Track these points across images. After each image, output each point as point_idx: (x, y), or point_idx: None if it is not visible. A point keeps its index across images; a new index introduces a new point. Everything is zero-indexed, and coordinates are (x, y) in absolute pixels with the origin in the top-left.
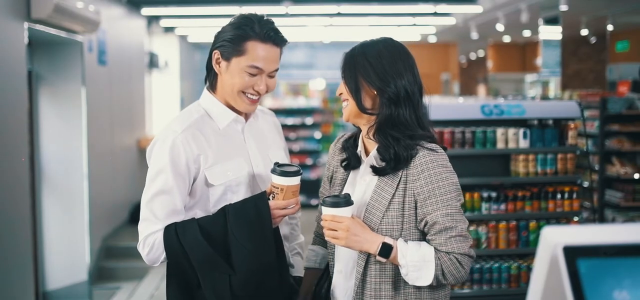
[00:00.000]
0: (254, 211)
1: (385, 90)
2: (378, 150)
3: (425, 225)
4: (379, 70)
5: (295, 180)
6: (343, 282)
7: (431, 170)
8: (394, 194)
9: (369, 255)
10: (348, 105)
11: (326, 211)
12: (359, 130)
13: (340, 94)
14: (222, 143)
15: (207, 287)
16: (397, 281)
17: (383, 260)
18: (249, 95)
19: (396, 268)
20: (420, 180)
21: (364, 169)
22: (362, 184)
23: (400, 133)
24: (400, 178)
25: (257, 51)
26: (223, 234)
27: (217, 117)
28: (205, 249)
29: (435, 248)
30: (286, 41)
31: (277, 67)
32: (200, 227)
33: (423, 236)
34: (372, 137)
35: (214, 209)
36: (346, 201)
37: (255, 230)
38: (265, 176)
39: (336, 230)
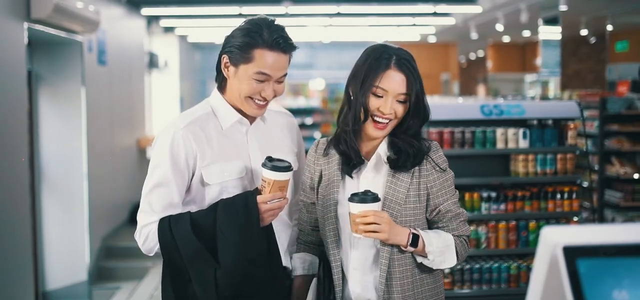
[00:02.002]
0: (242, 206)
1: (427, 116)
2: (396, 148)
3: (437, 213)
4: (427, 102)
5: (282, 176)
6: (361, 277)
7: (441, 165)
8: (409, 188)
9: (392, 246)
10: (390, 124)
11: (364, 207)
12: (344, 133)
13: (391, 113)
14: (224, 143)
15: (194, 280)
16: (415, 268)
17: (412, 250)
18: (257, 101)
19: (413, 256)
20: (433, 174)
21: (369, 167)
22: (365, 182)
23: (414, 137)
24: (413, 172)
25: (265, 59)
26: (212, 227)
27: (222, 116)
28: (193, 242)
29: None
30: (295, 47)
31: (285, 73)
32: (192, 220)
33: (429, 224)
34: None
35: None
36: (375, 197)
37: (242, 224)
38: None
39: (380, 224)
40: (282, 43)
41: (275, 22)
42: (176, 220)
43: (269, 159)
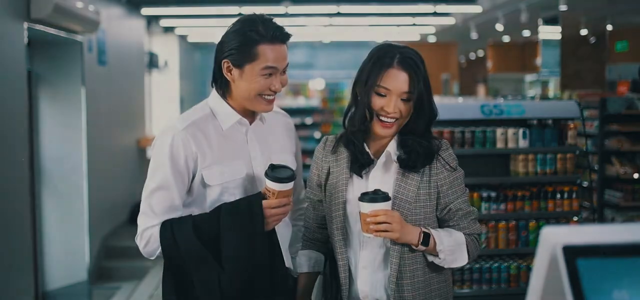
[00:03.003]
0: (246, 210)
1: (434, 116)
2: (406, 148)
3: (447, 212)
4: (433, 100)
5: (287, 186)
6: (370, 276)
7: (451, 163)
8: (419, 186)
9: (402, 245)
10: (397, 123)
11: (375, 207)
12: (352, 134)
13: (396, 112)
14: (224, 144)
15: (197, 284)
16: (425, 266)
17: (423, 249)
18: (266, 96)
19: (423, 254)
20: (444, 172)
21: (378, 166)
22: (374, 181)
23: (424, 136)
24: (423, 171)
25: (268, 53)
26: (215, 231)
27: (221, 117)
28: (196, 245)
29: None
30: (290, 35)
31: (288, 62)
32: (195, 224)
33: (439, 223)
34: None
35: (210, 210)
36: (385, 196)
37: (246, 228)
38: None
39: (391, 224)
40: (279, 34)
41: (264, 16)
42: (179, 224)
43: (271, 168)
